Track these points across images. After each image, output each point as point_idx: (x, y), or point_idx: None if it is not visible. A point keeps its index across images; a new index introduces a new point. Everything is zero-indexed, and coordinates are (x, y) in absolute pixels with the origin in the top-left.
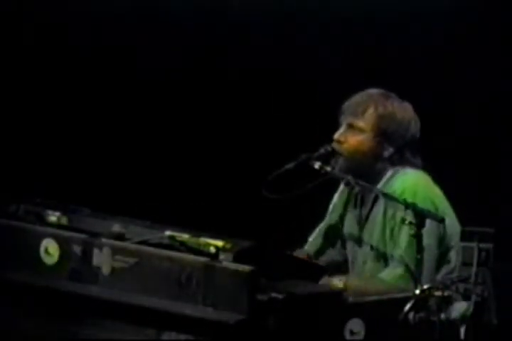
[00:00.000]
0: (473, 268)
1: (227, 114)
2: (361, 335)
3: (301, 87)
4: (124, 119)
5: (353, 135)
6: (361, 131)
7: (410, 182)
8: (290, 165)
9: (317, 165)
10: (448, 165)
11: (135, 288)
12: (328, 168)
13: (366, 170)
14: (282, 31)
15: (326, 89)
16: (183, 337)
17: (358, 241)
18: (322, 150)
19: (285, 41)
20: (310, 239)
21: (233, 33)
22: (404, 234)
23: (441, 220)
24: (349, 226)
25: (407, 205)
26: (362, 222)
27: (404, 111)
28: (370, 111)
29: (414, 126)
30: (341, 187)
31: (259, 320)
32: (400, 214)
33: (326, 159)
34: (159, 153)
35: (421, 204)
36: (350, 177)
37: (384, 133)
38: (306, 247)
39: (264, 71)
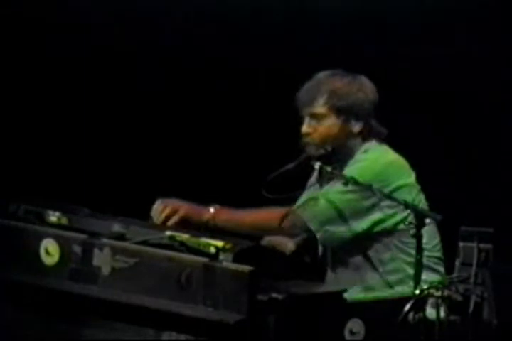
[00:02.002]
0: (473, 269)
1: (227, 114)
2: (361, 335)
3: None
4: (125, 120)
5: (318, 123)
6: (323, 116)
7: (373, 156)
8: (290, 165)
9: (317, 165)
10: (448, 165)
11: (135, 288)
12: (329, 168)
13: (341, 151)
14: (283, 31)
15: None
16: (183, 337)
17: None
18: (322, 151)
19: (285, 41)
20: None
21: (233, 34)
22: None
23: (441, 220)
24: None
25: (407, 205)
26: None
27: (352, 82)
28: (320, 94)
29: (371, 92)
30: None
31: (259, 320)
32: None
33: (326, 159)
34: (159, 153)
35: (375, 177)
36: (350, 178)
37: (343, 110)
38: None
39: (265, 71)
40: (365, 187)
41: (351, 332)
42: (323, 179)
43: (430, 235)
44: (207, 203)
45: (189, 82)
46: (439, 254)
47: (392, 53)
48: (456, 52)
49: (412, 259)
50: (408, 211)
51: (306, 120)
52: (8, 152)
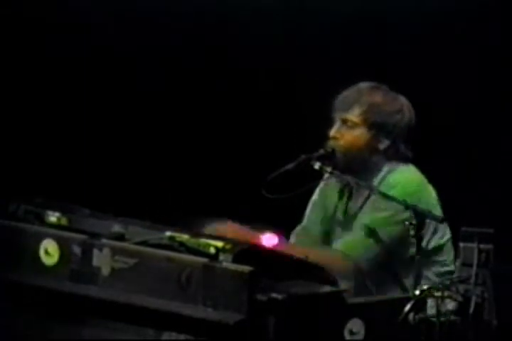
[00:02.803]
0: (473, 269)
1: (227, 114)
2: (361, 335)
3: (302, 87)
4: (125, 120)
5: (347, 130)
6: (354, 125)
7: (404, 178)
8: (290, 166)
9: (317, 165)
10: (448, 165)
11: (135, 289)
12: (329, 169)
13: (362, 164)
14: (283, 31)
15: (327, 88)
16: (183, 337)
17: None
18: (322, 151)
19: (285, 41)
20: (295, 231)
21: (233, 34)
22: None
23: (441, 220)
24: (339, 219)
25: (407, 206)
26: (349, 216)
27: (394, 101)
28: (359, 104)
29: (408, 116)
30: (321, 186)
31: (259, 320)
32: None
33: (326, 159)
34: (159, 153)
35: (409, 199)
36: (350, 178)
37: (376, 125)
38: (290, 240)
39: (265, 71)
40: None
41: (351, 332)
42: (345, 194)
43: (449, 249)
44: (207, 203)
45: (189, 82)
46: (452, 267)
47: (391, 53)
48: (456, 52)
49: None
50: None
51: (337, 124)
52: (8, 152)
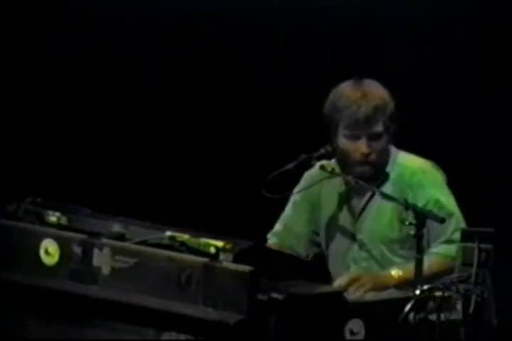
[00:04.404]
0: (474, 269)
1: (227, 114)
2: (361, 335)
3: (302, 87)
4: (125, 120)
5: (375, 142)
6: (380, 135)
7: (417, 164)
8: (290, 165)
9: (317, 165)
10: (448, 165)
11: (135, 288)
12: (329, 169)
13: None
14: (283, 30)
15: (327, 88)
16: (183, 337)
17: (351, 233)
18: (322, 151)
19: (285, 41)
20: (274, 231)
21: (233, 34)
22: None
23: (441, 220)
24: (342, 219)
25: (407, 205)
26: (357, 214)
27: (386, 90)
28: (382, 115)
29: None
30: (301, 186)
31: (259, 320)
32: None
33: (326, 159)
34: (159, 152)
35: (430, 183)
36: (350, 178)
37: (392, 129)
38: (269, 240)
39: (265, 71)
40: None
41: (351, 332)
42: (349, 193)
43: None
44: (207, 203)
45: (189, 82)
46: None
47: (391, 53)
48: (455, 52)
49: None
50: None
51: (364, 139)
52: (9, 152)
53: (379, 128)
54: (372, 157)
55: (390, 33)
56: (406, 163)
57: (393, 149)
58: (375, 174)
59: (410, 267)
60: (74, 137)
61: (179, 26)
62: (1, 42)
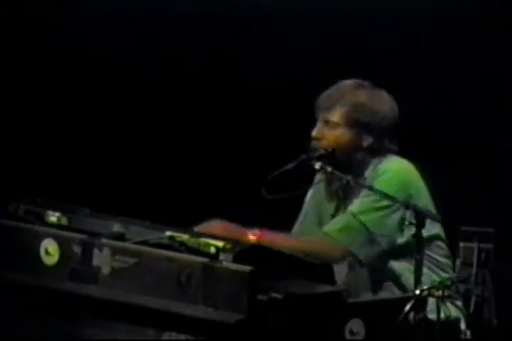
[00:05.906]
0: (473, 269)
1: (227, 114)
2: (361, 335)
3: (302, 87)
4: (125, 120)
5: (329, 130)
6: (336, 125)
7: (395, 164)
8: (290, 166)
9: (317, 165)
10: (448, 165)
11: (135, 288)
12: (329, 169)
13: (347, 162)
14: (283, 30)
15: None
16: (183, 337)
17: None
18: (322, 151)
19: (285, 41)
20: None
21: (233, 34)
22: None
23: (440, 220)
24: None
25: (407, 205)
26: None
27: (378, 99)
28: (341, 103)
29: (392, 114)
30: (313, 189)
31: (259, 320)
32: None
33: (326, 159)
34: (159, 153)
35: (394, 188)
36: (349, 177)
37: (359, 123)
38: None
39: (265, 71)
40: (392, 201)
41: (351, 332)
42: (347, 190)
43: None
44: (207, 203)
45: (189, 82)
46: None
47: (391, 53)
48: (455, 52)
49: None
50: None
51: (319, 125)
52: (9, 152)
53: (334, 117)
54: (323, 143)
55: (390, 33)
56: (383, 164)
57: (374, 161)
58: (325, 156)
59: (274, 236)
60: (74, 137)
61: (179, 26)
62: (1, 42)
